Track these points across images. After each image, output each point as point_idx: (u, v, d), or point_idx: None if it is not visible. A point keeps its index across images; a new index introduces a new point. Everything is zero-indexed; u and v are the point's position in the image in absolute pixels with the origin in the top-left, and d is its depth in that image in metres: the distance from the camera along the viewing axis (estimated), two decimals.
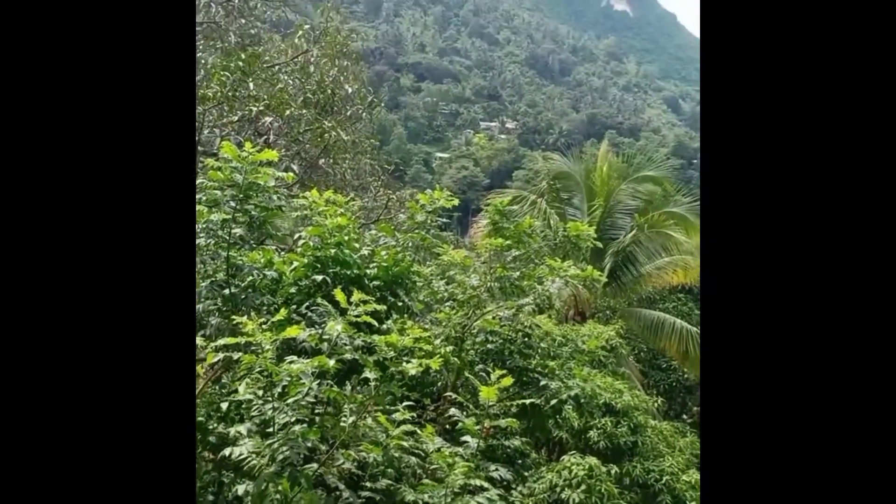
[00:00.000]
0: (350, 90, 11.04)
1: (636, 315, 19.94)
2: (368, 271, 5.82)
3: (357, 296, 4.31)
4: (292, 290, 5.62)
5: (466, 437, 4.83)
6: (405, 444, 4.55)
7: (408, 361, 4.20)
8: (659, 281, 20.45)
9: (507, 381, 4.77)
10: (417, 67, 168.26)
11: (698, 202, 27.13)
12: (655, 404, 14.19)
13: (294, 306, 5.37)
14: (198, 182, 5.24)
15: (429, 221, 6.88)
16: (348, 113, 10.93)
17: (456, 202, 6.83)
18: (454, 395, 5.23)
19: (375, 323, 4.38)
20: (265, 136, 9.20)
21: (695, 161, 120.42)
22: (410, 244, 6.85)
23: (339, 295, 4.33)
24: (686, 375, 20.93)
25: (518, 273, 7.48)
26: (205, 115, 8.99)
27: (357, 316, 4.25)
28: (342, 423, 4.24)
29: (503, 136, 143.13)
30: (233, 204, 5.20)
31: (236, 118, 9.25)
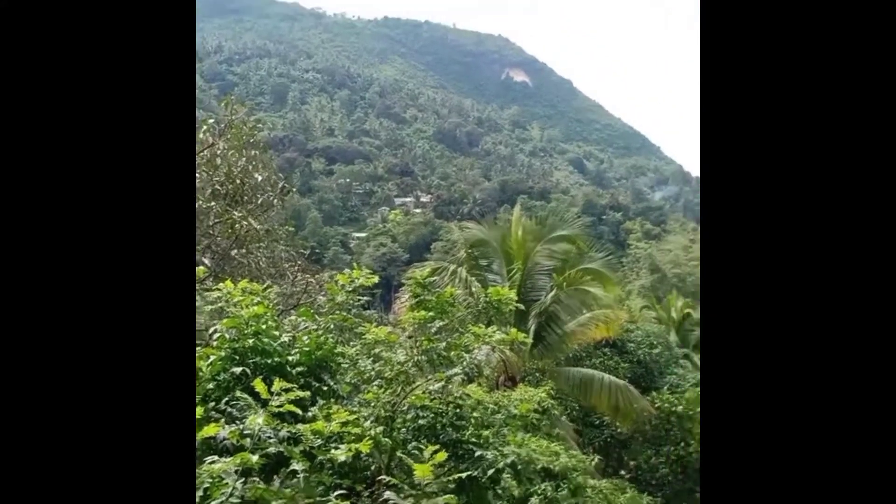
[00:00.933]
0: (260, 178, 11.00)
1: (565, 374, 20.12)
2: (290, 358, 5.69)
3: (278, 384, 4.19)
4: (210, 385, 5.42)
5: None
6: None
7: (336, 448, 4.07)
8: (583, 337, 20.75)
9: (441, 456, 4.68)
10: (328, 151, 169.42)
11: (611, 256, 27.91)
12: (593, 462, 14.23)
13: (213, 403, 5.18)
14: None
15: (350, 301, 6.81)
16: (259, 201, 10.86)
17: (375, 279, 6.81)
18: (388, 478, 5.09)
19: (299, 411, 4.26)
20: None
21: (604, 217, 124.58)
22: (332, 326, 6.75)
23: (258, 385, 4.20)
24: (619, 429, 21.10)
25: (444, 344, 7.45)
26: None
27: (279, 406, 4.12)
28: None
29: (418, 210, 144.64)
30: None
31: None
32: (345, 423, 4.28)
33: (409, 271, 17.19)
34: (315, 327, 6.60)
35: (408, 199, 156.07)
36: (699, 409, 17.06)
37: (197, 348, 6.07)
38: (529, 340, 9.40)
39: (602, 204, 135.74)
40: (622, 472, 21.18)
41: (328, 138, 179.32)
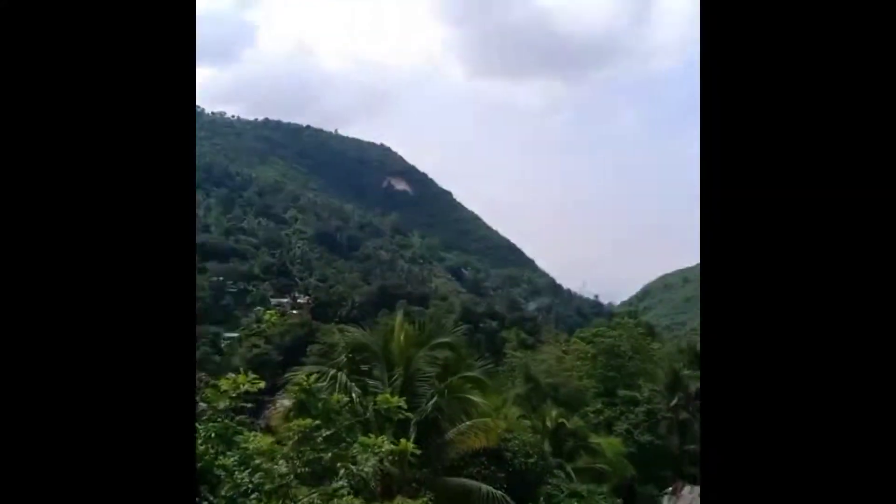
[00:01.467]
0: None
1: (443, 485, 19.77)
2: None
3: None
4: None
5: None
6: None
7: None
8: (462, 446, 20.60)
9: None
10: (202, 248, 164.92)
11: (490, 364, 28.19)
12: None
13: None
14: None
15: (233, 408, 6.47)
16: None
17: (262, 384, 6.52)
18: None
19: None
20: None
21: (481, 325, 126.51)
22: (213, 435, 6.36)
23: None
24: None
25: (330, 454, 7.17)
26: None
27: None
28: None
29: (295, 312, 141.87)
30: None
31: None
32: None
33: (287, 374, 16.65)
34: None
35: (284, 300, 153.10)
36: None
37: None
38: (418, 451, 9.20)
39: (479, 312, 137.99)
40: None
41: (202, 234, 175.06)
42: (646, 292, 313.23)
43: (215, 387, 6.24)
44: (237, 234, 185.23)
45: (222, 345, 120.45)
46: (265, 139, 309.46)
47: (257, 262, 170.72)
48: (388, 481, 18.22)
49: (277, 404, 18.99)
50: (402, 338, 22.08)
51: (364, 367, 21.83)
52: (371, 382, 20.98)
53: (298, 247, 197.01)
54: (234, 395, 6.28)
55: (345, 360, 21.56)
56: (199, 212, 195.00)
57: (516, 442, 25.29)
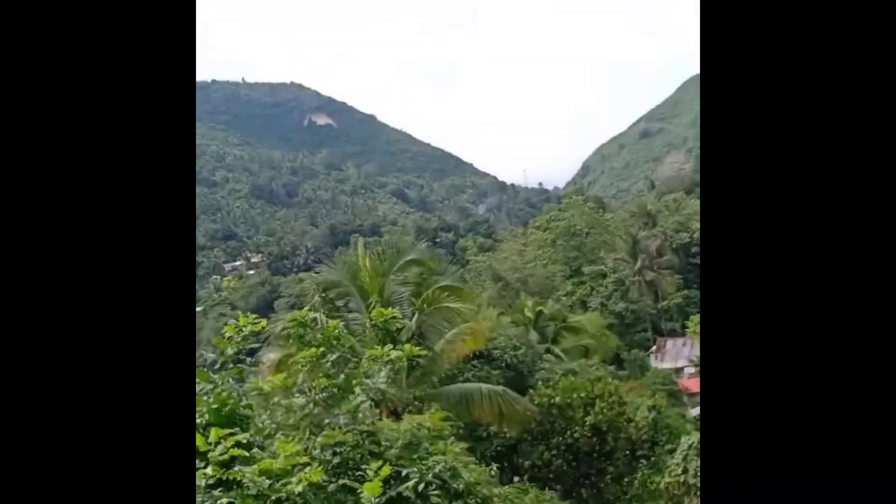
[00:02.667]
0: None
1: (444, 394, 20.29)
2: (198, 420, 5.41)
3: (215, 434, 3.99)
4: None
5: None
6: None
7: (288, 483, 3.92)
8: (453, 354, 21.05)
9: (386, 469, 4.63)
10: None
11: (462, 268, 28.55)
12: (492, 473, 14.41)
13: None
14: None
15: (242, 352, 6.56)
16: None
17: (264, 323, 6.60)
18: None
19: (246, 453, 4.06)
20: None
21: (437, 239, 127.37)
22: (230, 380, 6.47)
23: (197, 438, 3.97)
24: (507, 435, 21.51)
25: (343, 376, 7.34)
26: None
27: (223, 454, 3.91)
28: None
29: (252, 272, 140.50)
30: None
31: None
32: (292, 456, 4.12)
33: (279, 319, 16.71)
34: (212, 386, 6.29)
35: (238, 263, 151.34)
36: (575, 395, 17.77)
37: None
38: (424, 353, 9.41)
39: (432, 227, 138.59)
40: (515, 479, 21.58)
41: None
42: (586, 168, 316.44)
43: (220, 335, 6.31)
44: None
45: None
46: None
47: (200, 232, 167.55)
48: (393, 403, 18.69)
49: (265, 360, 19.07)
50: (368, 267, 22.14)
51: (339, 303, 21.93)
52: (350, 316, 21.15)
53: (237, 206, 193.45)
54: (239, 338, 6.36)
55: (319, 300, 21.63)
56: None
57: (502, 339, 25.92)
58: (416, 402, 20.53)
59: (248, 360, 9.48)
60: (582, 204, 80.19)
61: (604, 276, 63.67)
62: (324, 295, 21.54)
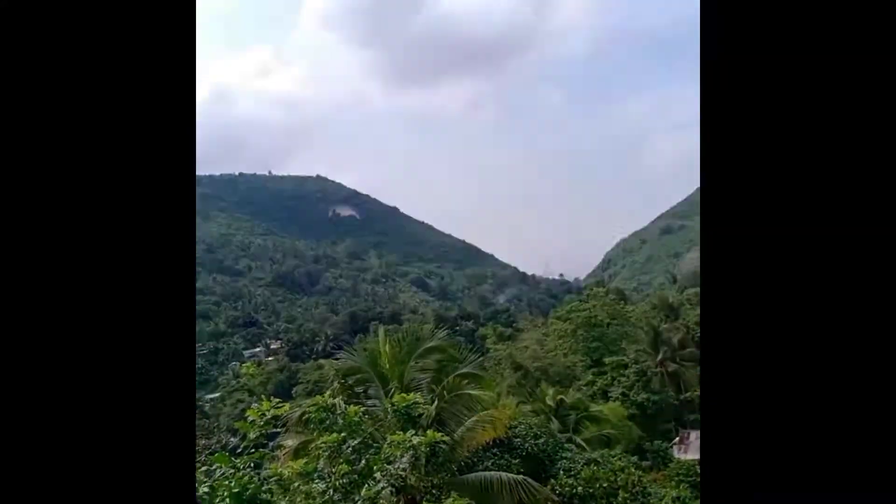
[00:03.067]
0: None
1: (462, 483, 19.86)
2: (220, 503, 5.40)
3: None
4: None
5: None
6: None
7: None
8: (472, 442, 20.67)
9: None
10: None
11: (482, 356, 28.36)
12: None
13: None
14: None
15: (263, 436, 6.58)
16: None
17: (287, 407, 6.63)
18: None
19: None
20: None
21: (457, 328, 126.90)
22: (251, 465, 6.46)
23: None
24: None
25: (363, 462, 7.31)
26: None
27: None
28: None
29: (271, 359, 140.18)
30: None
31: None
32: None
33: (283, 415, 16.63)
34: (233, 470, 6.29)
35: (257, 350, 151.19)
36: (597, 485, 17.29)
37: None
38: (447, 438, 9.32)
39: (452, 316, 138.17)
40: None
41: None
42: (608, 261, 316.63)
43: (243, 419, 6.35)
44: (195, 295, 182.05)
45: (206, 407, 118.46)
46: (201, 196, 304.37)
47: (221, 319, 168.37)
48: (411, 491, 18.31)
49: (283, 445, 18.87)
50: (388, 353, 22.11)
51: (359, 390, 21.82)
52: (369, 402, 21.00)
53: (259, 294, 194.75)
54: (262, 423, 6.39)
55: (338, 386, 21.54)
56: None
57: (522, 427, 25.50)
58: (433, 490, 20.10)
59: (270, 444, 9.45)
60: (603, 295, 79.93)
61: (625, 366, 62.79)
62: (343, 381, 21.47)
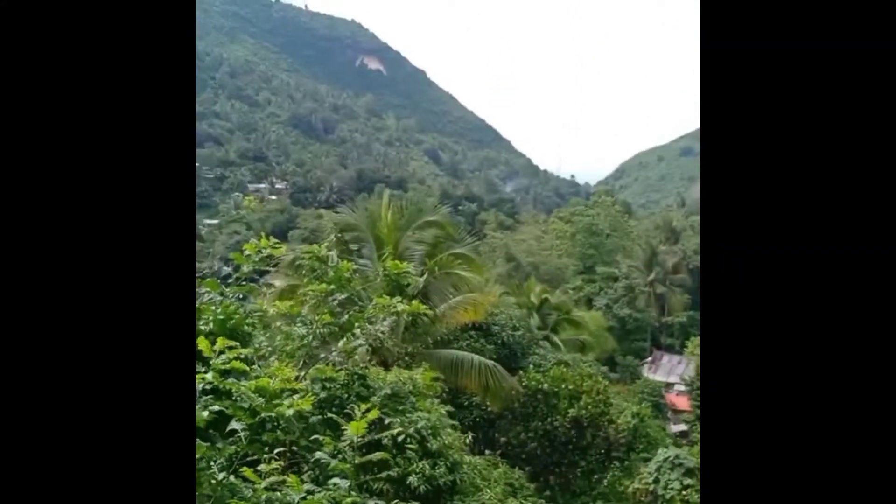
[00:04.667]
0: None
1: (435, 356, 20.44)
2: (202, 327, 5.54)
3: (221, 342, 4.10)
4: None
5: (335, 479, 4.71)
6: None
7: (279, 404, 4.05)
8: (452, 320, 21.13)
9: (374, 413, 4.74)
10: None
11: (479, 241, 28.58)
12: (466, 441, 14.63)
13: None
14: None
15: (256, 271, 6.67)
16: None
17: (284, 249, 6.70)
18: (321, 437, 5.08)
19: (247, 367, 4.19)
20: None
21: (459, 207, 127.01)
22: (240, 296, 6.60)
23: (202, 343, 4.08)
24: (489, 408, 21.75)
25: (346, 316, 7.46)
26: None
27: (226, 363, 4.03)
28: (212, 481, 3.97)
29: (274, 197, 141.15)
30: None
31: None
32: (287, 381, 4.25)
33: (297, 250, 16.88)
34: (220, 298, 6.42)
35: (262, 186, 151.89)
36: (563, 386, 17.81)
37: None
38: (430, 311, 9.50)
39: (457, 194, 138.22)
40: (488, 452, 21.86)
41: None
42: (621, 171, 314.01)
43: (239, 251, 6.42)
44: (210, 117, 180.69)
45: (203, 231, 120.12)
46: (234, 15, 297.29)
47: (232, 148, 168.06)
48: (384, 354, 18.88)
49: (270, 286, 19.26)
50: (388, 218, 22.21)
51: (353, 247, 22.07)
52: (361, 262, 21.30)
53: (273, 131, 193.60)
54: (257, 258, 6.46)
55: (334, 239, 21.78)
56: None
57: (503, 316, 26.00)
58: (406, 358, 20.77)
59: (259, 280, 9.61)
60: (609, 205, 79.74)
61: (615, 279, 63.57)
62: (339, 235, 21.70)
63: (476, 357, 20.17)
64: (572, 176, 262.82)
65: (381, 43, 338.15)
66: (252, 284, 6.73)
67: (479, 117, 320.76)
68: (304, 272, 8.33)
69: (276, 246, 6.46)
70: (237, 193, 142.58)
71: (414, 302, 7.51)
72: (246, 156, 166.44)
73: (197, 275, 11.47)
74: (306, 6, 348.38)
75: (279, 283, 18.22)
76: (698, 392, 29.98)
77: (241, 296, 6.56)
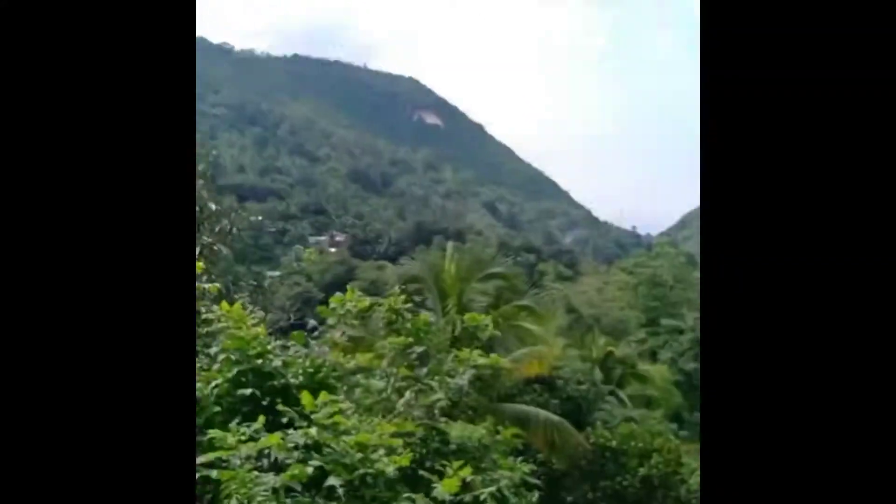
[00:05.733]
0: (214, 207, 10.78)
1: (499, 410, 20.20)
2: (293, 380, 5.58)
3: (324, 396, 4.12)
4: (215, 409, 5.22)
5: None
6: None
7: (380, 460, 4.02)
8: (517, 374, 20.94)
9: (467, 471, 4.67)
10: (239, 189, 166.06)
11: (543, 294, 28.44)
12: (534, 499, 14.28)
13: (221, 424, 5.00)
14: None
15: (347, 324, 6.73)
16: (217, 229, 10.61)
17: (367, 303, 6.75)
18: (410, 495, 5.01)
19: (347, 422, 4.19)
20: None
21: (518, 258, 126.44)
22: (327, 349, 6.65)
23: (305, 398, 4.11)
24: (555, 465, 21.27)
25: (425, 370, 7.44)
26: None
27: (329, 416, 4.04)
28: None
29: (333, 250, 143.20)
30: None
31: None
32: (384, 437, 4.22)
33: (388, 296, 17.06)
34: (306, 351, 6.48)
35: (322, 238, 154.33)
36: (632, 444, 17.33)
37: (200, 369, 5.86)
38: (509, 365, 9.43)
39: (516, 246, 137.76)
40: None
41: (239, 175, 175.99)
42: (684, 223, 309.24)
43: (325, 304, 6.48)
44: (272, 173, 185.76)
45: (266, 283, 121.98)
46: (296, 75, 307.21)
47: (293, 202, 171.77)
48: (450, 408, 18.69)
49: (333, 336, 19.28)
50: (452, 270, 22.26)
51: (417, 299, 22.10)
52: (425, 313, 21.26)
53: (333, 185, 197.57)
54: (342, 311, 6.52)
55: (398, 290, 21.80)
56: (234, 152, 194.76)
57: (567, 370, 25.64)
58: (469, 412, 20.57)
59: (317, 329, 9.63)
60: (673, 256, 78.49)
61: (681, 332, 62.07)
62: (404, 287, 21.78)
63: (542, 412, 19.85)
64: (633, 227, 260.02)
65: (438, 98, 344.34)
66: (332, 336, 6.79)
67: (536, 169, 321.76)
68: (381, 324, 8.36)
69: (361, 299, 6.52)
70: (298, 246, 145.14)
71: (493, 355, 7.45)
72: (307, 209, 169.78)
73: (272, 325, 11.65)
74: (365, 65, 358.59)
75: (339, 335, 18.41)
76: None
77: (326, 348, 6.62)
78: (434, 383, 7.46)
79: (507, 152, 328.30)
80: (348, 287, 6.64)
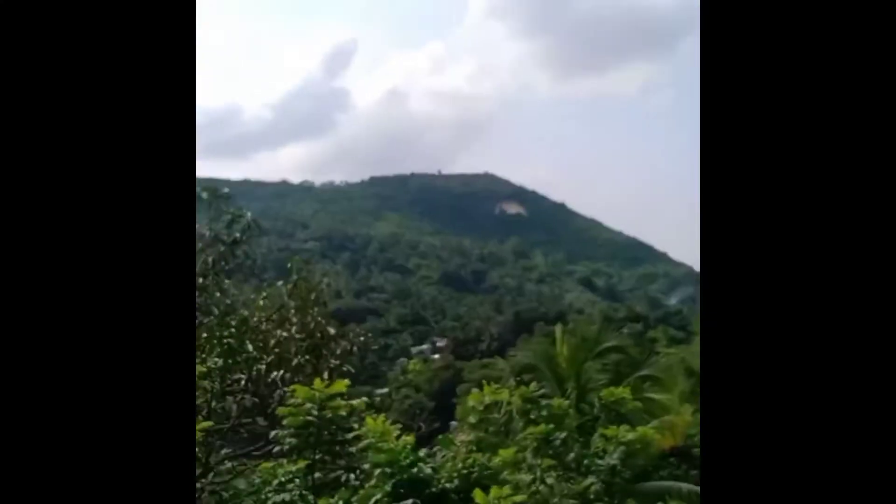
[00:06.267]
0: (333, 331, 11.21)
1: (638, 490, 19.40)
2: (447, 485, 5.64)
3: (496, 491, 4.17)
4: None
5: None
6: None
7: None
8: (650, 448, 20.14)
9: None
10: (338, 313, 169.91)
11: (662, 359, 27.61)
12: None
13: None
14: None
15: (485, 420, 6.79)
16: (338, 351, 10.99)
17: (506, 394, 6.81)
18: None
19: None
20: (278, 390, 9.11)
21: (624, 330, 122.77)
22: (474, 449, 6.70)
23: (479, 496, 4.17)
24: None
25: (572, 454, 7.35)
26: (210, 391, 8.91)
27: None
28: None
29: (437, 356, 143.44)
30: None
31: (242, 380, 9.21)
32: None
33: (458, 404, 17.02)
34: (453, 454, 6.55)
35: (424, 347, 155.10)
36: None
37: (356, 488, 6.01)
38: (659, 437, 9.21)
39: (620, 317, 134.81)
40: None
41: (336, 300, 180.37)
42: None
43: (435, 413, 6.54)
44: (367, 292, 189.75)
45: (377, 400, 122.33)
46: (375, 196, 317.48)
47: (391, 316, 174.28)
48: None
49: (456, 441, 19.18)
50: (565, 352, 22.04)
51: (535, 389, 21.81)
52: (544, 402, 20.95)
53: (426, 292, 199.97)
54: (481, 408, 6.60)
55: (513, 383, 21.69)
56: (329, 279, 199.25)
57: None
58: (605, 499, 19.74)
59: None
60: None
61: None
62: (519, 378, 21.66)
63: (685, 485, 18.94)
64: None
65: (516, 187, 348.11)
66: (480, 433, 6.84)
67: (628, 236, 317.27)
68: (518, 416, 8.36)
69: (498, 391, 6.60)
70: (402, 359, 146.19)
71: (640, 428, 7.31)
72: (405, 321, 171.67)
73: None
74: (439, 171, 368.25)
75: (465, 436, 18.28)
76: None
77: (473, 448, 6.67)
78: (585, 466, 7.35)
79: (594, 225, 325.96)
80: (484, 384, 6.72)
